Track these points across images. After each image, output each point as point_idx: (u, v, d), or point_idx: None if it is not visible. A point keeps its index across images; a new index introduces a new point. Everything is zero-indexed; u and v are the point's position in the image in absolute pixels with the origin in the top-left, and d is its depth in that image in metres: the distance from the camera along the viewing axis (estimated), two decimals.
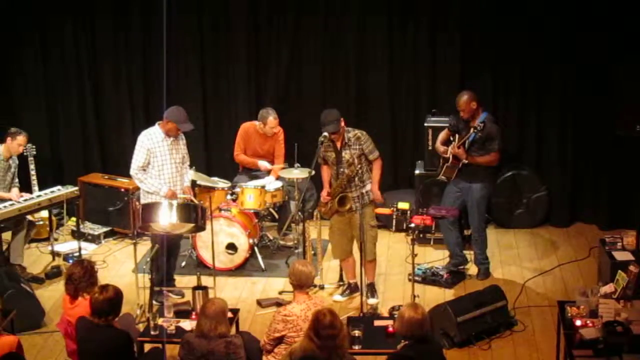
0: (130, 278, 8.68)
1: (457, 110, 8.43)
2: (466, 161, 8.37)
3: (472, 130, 8.28)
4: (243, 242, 8.99)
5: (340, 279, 8.61)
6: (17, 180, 9.12)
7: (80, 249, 9.16)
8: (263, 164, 9.48)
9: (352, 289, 8.42)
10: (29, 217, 9.08)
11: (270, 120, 9.35)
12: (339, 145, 8.02)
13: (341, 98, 10.11)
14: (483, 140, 8.33)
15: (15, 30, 10.38)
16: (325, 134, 7.99)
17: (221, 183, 9.40)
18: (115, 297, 6.12)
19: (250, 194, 9.05)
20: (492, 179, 8.69)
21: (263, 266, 9.08)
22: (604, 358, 6.05)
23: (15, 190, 8.98)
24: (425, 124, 9.55)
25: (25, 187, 9.23)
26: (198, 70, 10.35)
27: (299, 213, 8.83)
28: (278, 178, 9.41)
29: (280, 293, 8.55)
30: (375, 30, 10.03)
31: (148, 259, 8.20)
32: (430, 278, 8.69)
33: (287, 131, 9.66)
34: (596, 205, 10.06)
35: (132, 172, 8.19)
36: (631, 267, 6.94)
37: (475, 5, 9.82)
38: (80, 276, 6.48)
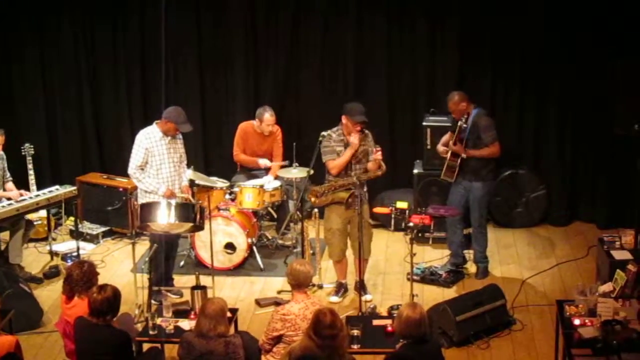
0: (128, 278, 8.68)
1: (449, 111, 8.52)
2: (464, 156, 8.39)
3: (458, 124, 8.32)
4: (242, 242, 8.98)
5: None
6: (8, 174, 9.04)
7: (78, 248, 9.17)
8: (263, 162, 9.49)
9: (345, 288, 8.45)
10: (28, 217, 9.06)
11: (267, 117, 9.35)
12: (349, 140, 8.03)
13: (339, 97, 10.08)
14: (477, 134, 8.36)
15: (14, 31, 10.38)
16: (324, 133, 8.06)
17: (220, 182, 9.39)
18: (113, 297, 6.11)
19: (249, 194, 9.04)
20: (492, 177, 8.69)
21: (262, 266, 9.08)
22: (603, 357, 6.05)
23: (10, 184, 8.93)
24: (424, 123, 9.56)
25: (24, 187, 9.21)
26: (196, 69, 10.35)
27: (298, 212, 8.83)
28: (277, 177, 9.41)
29: (278, 292, 8.55)
30: (373, 29, 10.03)
31: (146, 259, 8.19)
32: (429, 277, 8.69)
33: (285, 130, 9.66)
34: (595, 204, 10.07)
35: (130, 171, 8.19)
36: (630, 266, 6.94)
37: (474, 4, 9.82)
38: (79, 279, 6.47)
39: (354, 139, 7.94)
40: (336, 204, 8.07)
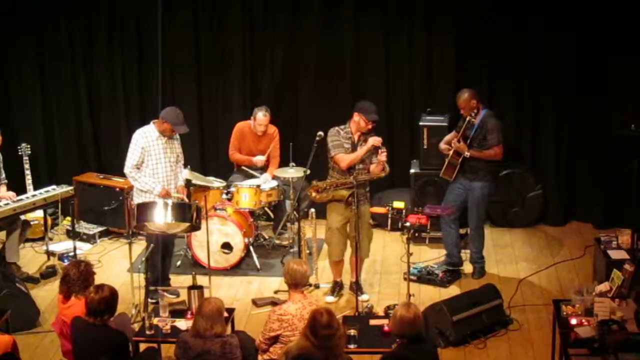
0: (125, 277, 8.67)
1: (459, 108, 8.49)
2: (468, 154, 8.38)
3: (467, 119, 8.31)
4: (238, 242, 8.98)
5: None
6: (3, 175, 9.03)
7: (75, 248, 9.15)
8: (258, 159, 9.48)
9: (340, 287, 8.46)
10: (24, 217, 9.05)
11: (259, 116, 9.34)
12: (356, 138, 8.03)
13: (336, 98, 10.11)
14: (483, 134, 8.37)
15: (11, 30, 10.36)
16: (321, 132, 8.07)
17: (216, 182, 9.39)
18: (110, 297, 6.11)
19: (246, 193, 9.04)
20: (493, 178, 8.67)
21: (258, 265, 9.07)
22: (600, 357, 6.05)
23: (3, 189, 8.92)
24: (421, 123, 9.55)
25: (20, 187, 9.21)
26: (193, 69, 10.34)
27: (294, 212, 8.82)
28: (274, 177, 9.41)
29: (275, 292, 8.54)
30: (370, 29, 10.02)
31: (143, 259, 8.18)
32: (425, 277, 8.69)
33: (282, 131, 9.65)
34: (591, 204, 10.07)
35: (126, 170, 8.18)
36: (626, 266, 6.94)
37: (471, 5, 9.82)
38: (75, 279, 6.47)
39: (375, 140, 7.92)
40: (337, 201, 8.07)
